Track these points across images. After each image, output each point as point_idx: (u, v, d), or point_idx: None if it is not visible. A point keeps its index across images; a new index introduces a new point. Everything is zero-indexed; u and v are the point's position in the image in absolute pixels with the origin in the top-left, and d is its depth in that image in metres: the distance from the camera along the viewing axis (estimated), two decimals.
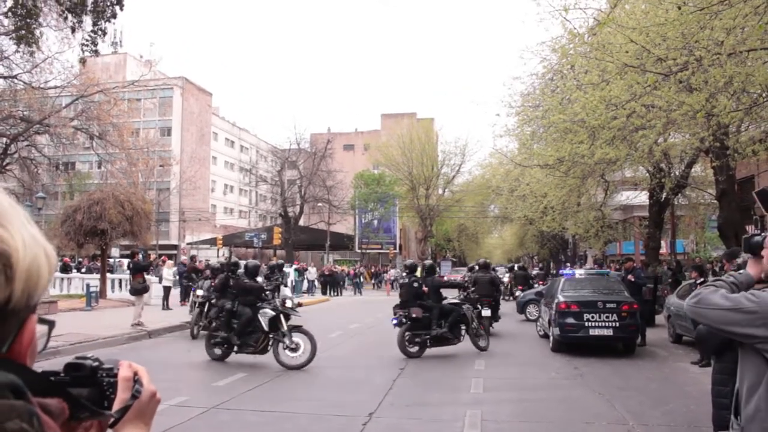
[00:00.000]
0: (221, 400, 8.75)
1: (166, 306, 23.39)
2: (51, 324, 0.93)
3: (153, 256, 40.26)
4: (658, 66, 11.06)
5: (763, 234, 2.74)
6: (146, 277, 18.42)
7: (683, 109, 11.33)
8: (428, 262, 16.02)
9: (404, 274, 15.05)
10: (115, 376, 1.14)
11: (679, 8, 10.11)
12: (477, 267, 19.17)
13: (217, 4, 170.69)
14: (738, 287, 2.63)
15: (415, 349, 13.06)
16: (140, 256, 19.61)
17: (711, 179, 20.81)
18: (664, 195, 23.69)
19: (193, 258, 25.06)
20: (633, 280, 16.46)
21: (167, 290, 24.07)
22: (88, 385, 1.11)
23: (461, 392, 9.91)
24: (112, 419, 1.10)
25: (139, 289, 17.04)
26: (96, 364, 1.15)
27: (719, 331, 2.68)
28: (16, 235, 0.76)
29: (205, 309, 15.33)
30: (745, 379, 2.57)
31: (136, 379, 1.16)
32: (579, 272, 18.02)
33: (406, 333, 13.05)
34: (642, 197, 30.38)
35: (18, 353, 0.82)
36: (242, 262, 14.46)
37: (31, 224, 0.83)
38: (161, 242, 56.19)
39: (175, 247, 61.43)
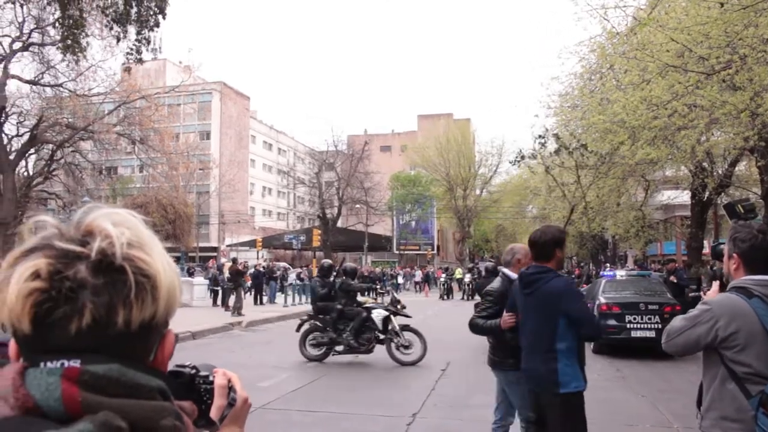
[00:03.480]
0: (267, 400, 8.94)
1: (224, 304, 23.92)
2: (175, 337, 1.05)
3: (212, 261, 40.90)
4: (700, 65, 10.96)
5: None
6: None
7: (727, 108, 11.19)
8: (491, 264, 15.90)
9: (486, 276, 14.86)
10: (212, 383, 1.21)
11: (722, 5, 10.02)
12: (483, 271, 18.42)
13: (255, 9, 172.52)
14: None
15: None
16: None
17: (756, 178, 20.42)
18: (706, 194, 23.30)
19: (234, 260, 25.44)
20: (676, 281, 16.25)
21: (225, 293, 24.50)
22: (187, 392, 1.17)
23: None
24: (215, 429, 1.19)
25: None
26: (194, 371, 1.23)
27: (696, 351, 2.92)
28: (157, 261, 0.89)
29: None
30: (706, 374, 2.87)
31: (230, 386, 1.23)
32: (620, 273, 17.83)
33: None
34: (684, 197, 29.88)
35: (161, 362, 0.94)
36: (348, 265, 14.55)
37: (165, 252, 0.95)
38: (201, 244, 57.05)
39: (215, 249, 62.23)
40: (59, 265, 0.83)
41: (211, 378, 1.21)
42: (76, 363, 0.82)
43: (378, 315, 12.10)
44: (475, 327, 5.45)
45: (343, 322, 12.28)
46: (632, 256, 45.56)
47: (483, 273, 15.94)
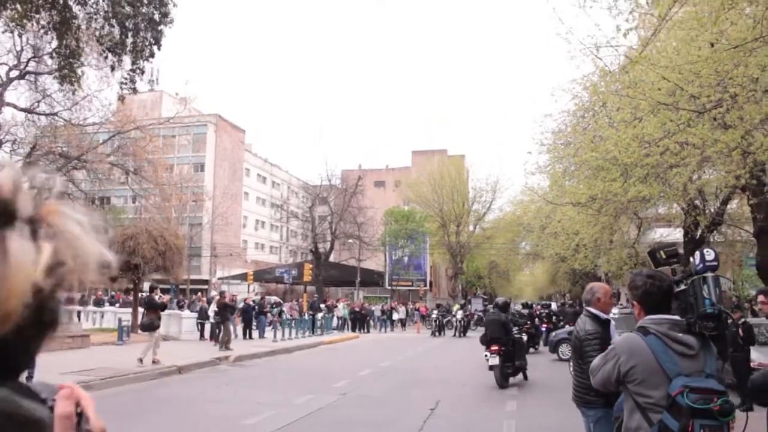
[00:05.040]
0: None
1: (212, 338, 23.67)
2: None
3: (201, 294, 40.55)
4: (691, 103, 10.96)
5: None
6: (161, 314, 17.97)
7: (718, 146, 11.17)
8: (501, 299, 17.14)
9: (493, 310, 16.31)
10: (52, 410, 0.83)
11: (712, 45, 10.06)
12: (484, 306, 19.22)
13: (252, 43, 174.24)
14: None
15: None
16: (158, 292, 19.53)
17: (748, 216, 20.40)
18: (699, 232, 23.26)
19: (222, 293, 25.19)
20: None
21: (213, 327, 24.20)
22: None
23: None
24: None
25: (148, 326, 16.73)
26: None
27: (612, 386, 3.28)
28: None
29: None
30: (625, 407, 3.26)
31: (80, 414, 0.85)
32: (614, 312, 17.66)
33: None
34: (677, 234, 29.83)
35: None
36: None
37: None
38: (193, 277, 56.62)
39: (206, 282, 61.88)
40: None
41: (49, 403, 0.83)
42: None
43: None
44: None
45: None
46: (625, 293, 45.41)
47: (483, 308, 17.45)
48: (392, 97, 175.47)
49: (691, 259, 3.42)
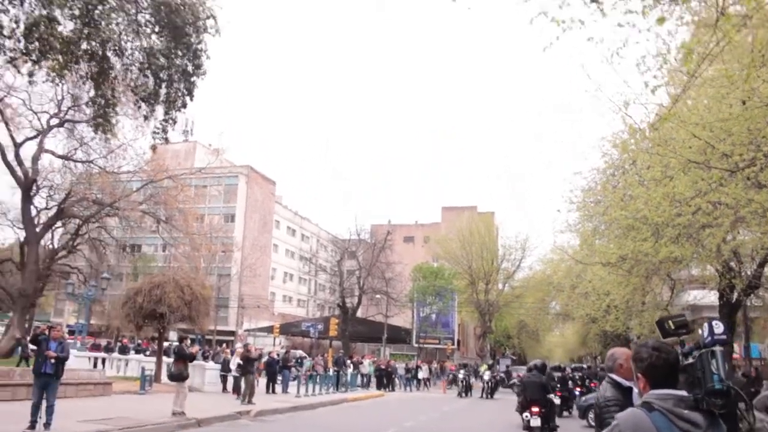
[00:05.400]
0: None
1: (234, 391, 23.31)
2: None
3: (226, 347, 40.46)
4: (723, 162, 10.74)
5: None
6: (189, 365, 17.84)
7: (753, 206, 10.88)
8: (540, 361, 16.56)
9: (533, 372, 15.77)
10: None
11: (744, 103, 9.90)
12: (531, 367, 18.71)
13: (284, 97, 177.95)
14: None
15: None
16: (188, 341, 19.35)
17: None
18: (735, 295, 22.59)
19: (246, 346, 24.99)
20: None
21: (236, 379, 23.83)
22: None
23: None
24: None
25: (177, 376, 16.58)
26: None
27: None
28: None
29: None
30: None
31: None
32: None
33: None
34: (711, 297, 29.01)
35: None
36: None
37: None
38: (219, 328, 56.58)
39: (232, 333, 61.75)
40: None
41: None
42: None
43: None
44: None
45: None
46: None
47: (506, 369, 17.24)
48: (423, 153, 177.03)
49: (700, 331, 3.26)
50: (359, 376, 38.28)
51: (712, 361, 3.04)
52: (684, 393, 3.02)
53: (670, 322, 3.61)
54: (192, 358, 18.14)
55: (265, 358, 27.80)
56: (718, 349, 3.09)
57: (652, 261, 16.89)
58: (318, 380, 28.98)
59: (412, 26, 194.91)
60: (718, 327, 3.21)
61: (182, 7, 17.36)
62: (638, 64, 10.27)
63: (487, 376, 36.93)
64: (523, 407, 14.84)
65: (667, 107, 11.69)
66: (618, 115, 13.88)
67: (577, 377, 31.78)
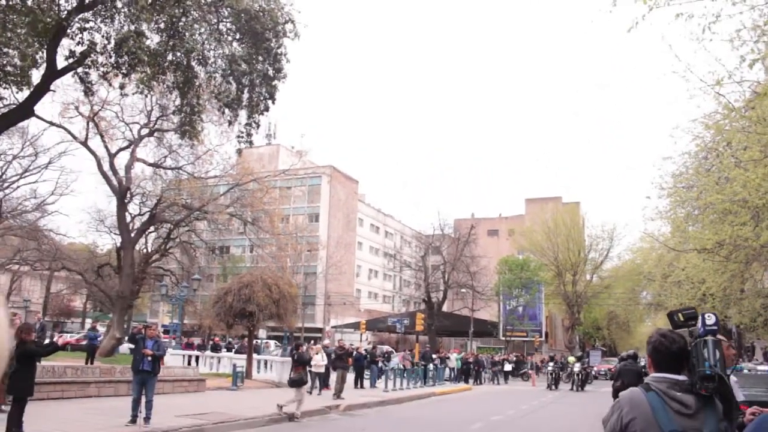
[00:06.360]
0: None
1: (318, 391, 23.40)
2: None
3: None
4: None
5: None
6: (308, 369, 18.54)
7: None
8: (632, 351, 16.08)
9: (628, 360, 15.50)
10: None
11: None
12: (624, 357, 18.27)
13: (364, 95, 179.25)
14: None
15: None
16: (304, 348, 19.84)
17: None
18: None
19: (339, 341, 25.27)
20: None
21: (320, 375, 23.94)
22: None
23: None
24: None
25: (298, 381, 16.98)
26: None
27: None
28: None
29: None
30: None
31: None
32: (748, 366, 16.30)
33: None
34: None
35: None
36: None
37: None
38: (307, 325, 57.58)
39: (320, 330, 62.74)
40: None
41: None
42: None
43: None
44: None
45: None
46: (761, 348, 42.15)
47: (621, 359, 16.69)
48: (506, 145, 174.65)
49: (698, 323, 3.64)
50: (446, 369, 38.21)
51: (704, 349, 3.40)
52: (680, 377, 3.36)
53: (680, 314, 3.90)
54: (310, 362, 18.99)
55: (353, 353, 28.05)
56: (709, 338, 3.44)
57: (753, 246, 16.04)
58: (405, 375, 29.05)
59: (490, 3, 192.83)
60: (710, 319, 3.59)
61: (261, 14, 17.69)
62: (732, 39, 9.75)
63: (577, 368, 36.14)
64: (617, 392, 14.51)
65: (764, 83, 11.05)
66: (710, 96, 13.21)
67: None
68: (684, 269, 24.28)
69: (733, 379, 5.15)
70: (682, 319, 3.90)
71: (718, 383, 3.30)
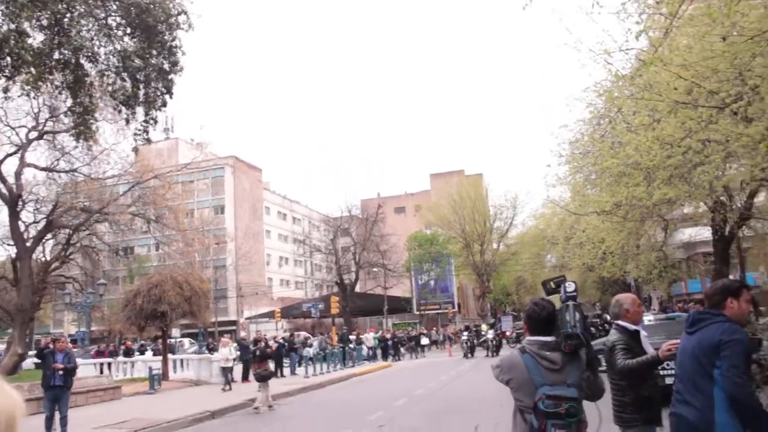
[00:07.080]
0: None
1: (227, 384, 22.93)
2: None
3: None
4: (710, 99, 10.67)
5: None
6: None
7: (743, 140, 10.85)
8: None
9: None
10: None
11: (724, 39, 9.81)
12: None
13: (261, 79, 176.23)
14: None
15: None
16: (263, 344, 19.95)
17: None
18: (728, 229, 22.72)
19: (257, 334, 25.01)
20: None
21: (225, 370, 23.55)
22: None
23: None
24: None
25: (266, 376, 17.41)
26: None
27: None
28: None
29: None
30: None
31: None
32: (649, 319, 17.24)
33: None
34: (705, 233, 29.24)
35: None
36: None
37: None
38: (220, 319, 56.63)
39: (234, 323, 61.87)
40: None
41: None
42: None
43: None
44: (630, 369, 5.13)
45: None
46: (657, 297, 44.69)
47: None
48: (406, 121, 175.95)
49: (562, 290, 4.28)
50: (364, 348, 38.57)
51: (566, 313, 3.99)
52: (549, 338, 3.87)
53: (552, 282, 4.53)
54: (271, 356, 19.56)
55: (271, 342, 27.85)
56: (570, 303, 4.08)
57: (646, 204, 16.92)
58: (325, 359, 29.14)
59: None
60: (570, 287, 4.28)
61: (152, 6, 17.06)
62: (618, 11, 10.19)
63: (490, 334, 37.31)
64: None
65: (649, 52, 11.60)
66: (600, 65, 13.76)
67: (598, 324, 32.32)
68: (585, 231, 25.28)
69: (643, 333, 5.52)
70: (553, 286, 4.55)
71: (577, 340, 3.83)
